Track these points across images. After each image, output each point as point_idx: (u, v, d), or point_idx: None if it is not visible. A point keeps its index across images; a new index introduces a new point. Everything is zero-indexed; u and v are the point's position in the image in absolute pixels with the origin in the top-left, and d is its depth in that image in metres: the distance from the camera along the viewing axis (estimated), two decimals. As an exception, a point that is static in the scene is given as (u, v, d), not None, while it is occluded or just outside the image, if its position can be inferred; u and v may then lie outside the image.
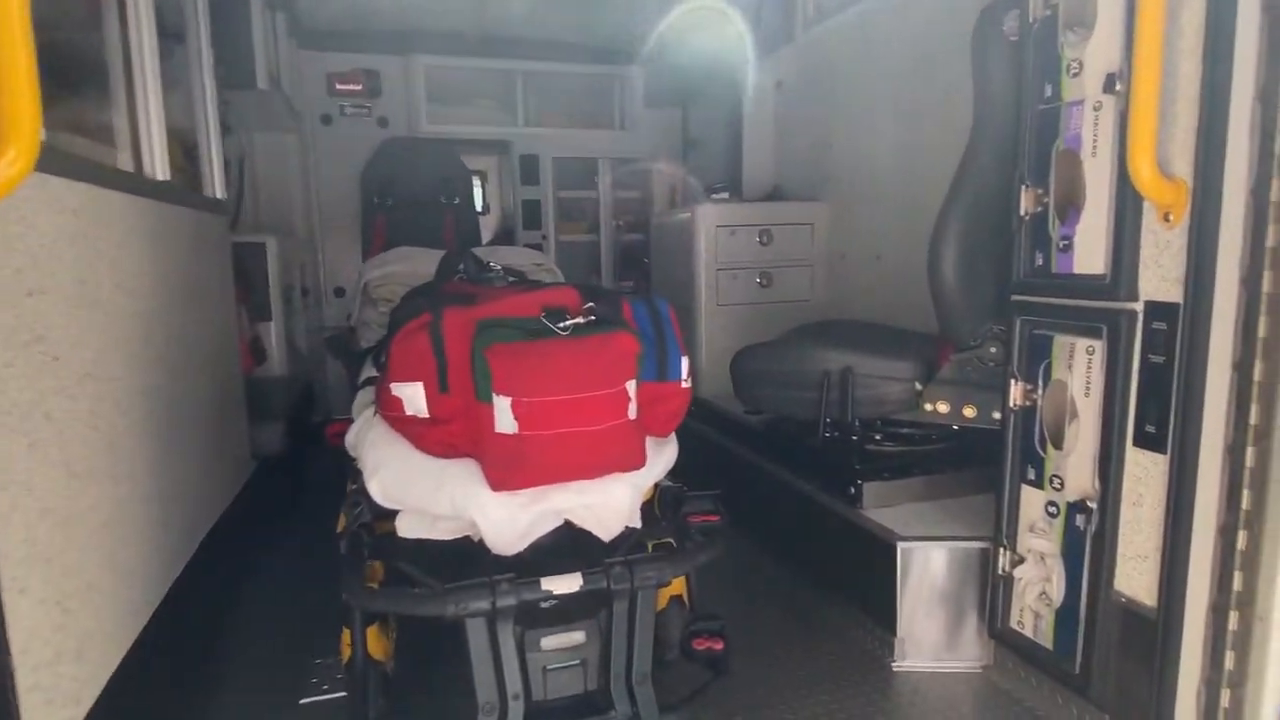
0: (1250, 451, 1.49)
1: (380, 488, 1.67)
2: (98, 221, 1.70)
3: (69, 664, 1.40)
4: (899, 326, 3.03)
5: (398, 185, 5.08)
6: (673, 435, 1.99)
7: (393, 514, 1.71)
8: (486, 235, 5.86)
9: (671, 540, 1.89)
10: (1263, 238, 1.44)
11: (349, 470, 2.03)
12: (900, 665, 2.21)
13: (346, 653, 1.74)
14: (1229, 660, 1.56)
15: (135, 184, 2.05)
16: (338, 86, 5.33)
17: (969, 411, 2.36)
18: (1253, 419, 1.48)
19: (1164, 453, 1.62)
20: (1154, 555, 1.67)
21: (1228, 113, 1.48)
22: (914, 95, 3.33)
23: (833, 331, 2.96)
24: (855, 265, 4.01)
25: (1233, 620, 1.55)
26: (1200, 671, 1.61)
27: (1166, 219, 1.60)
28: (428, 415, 1.60)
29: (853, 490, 2.43)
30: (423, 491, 1.64)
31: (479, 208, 5.78)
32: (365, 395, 2.09)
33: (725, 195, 4.79)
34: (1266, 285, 1.44)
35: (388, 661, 1.85)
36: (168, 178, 2.23)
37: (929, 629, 2.20)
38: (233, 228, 3.93)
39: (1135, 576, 1.72)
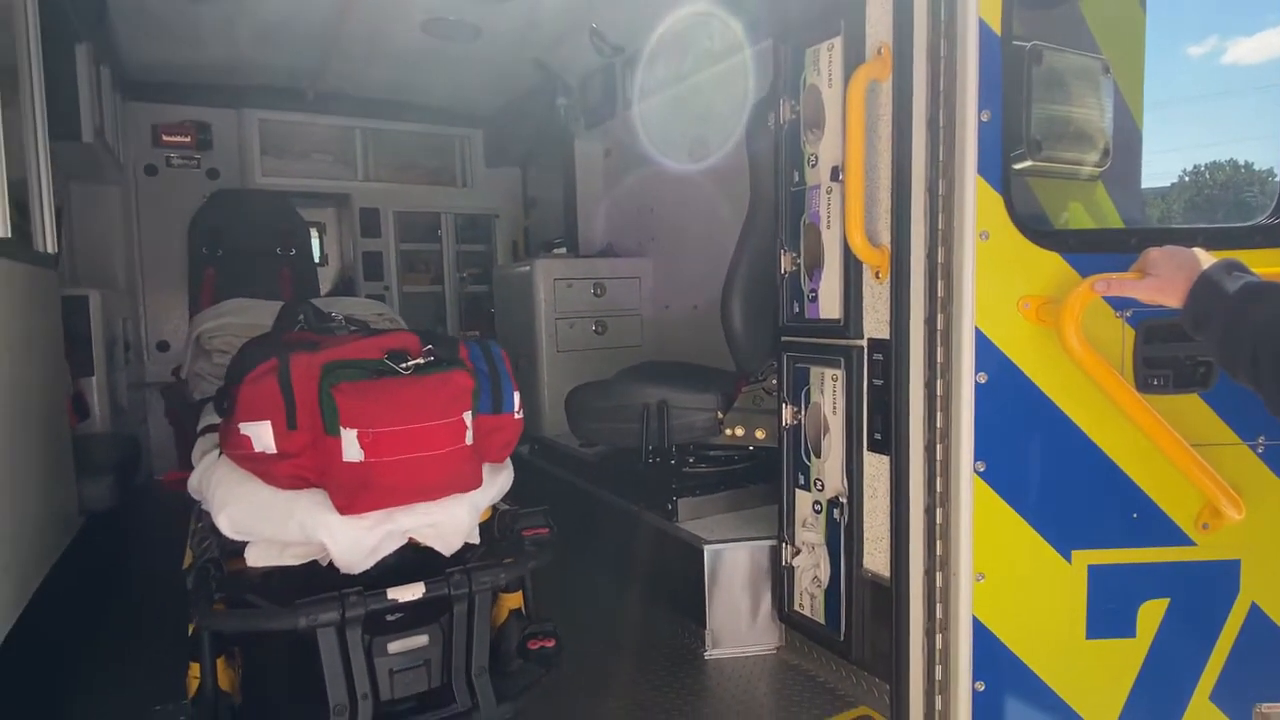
0: (939, 448, 1.99)
1: (229, 522, 1.81)
2: None
3: None
4: (706, 365, 3.49)
5: (228, 236, 5.04)
6: (508, 462, 2.26)
7: (238, 553, 1.84)
8: (325, 286, 5.87)
9: (512, 557, 2.14)
10: (935, 290, 1.97)
11: (193, 513, 2.13)
12: (711, 654, 2.57)
13: (194, 685, 1.83)
14: (939, 611, 2.04)
15: None
16: (164, 138, 5.24)
17: (760, 433, 2.81)
18: (939, 423, 1.98)
19: (888, 454, 2.11)
20: (886, 536, 2.14)
21: (910, 200, 2.01)
22: (712, 168, 3.88)
23: (650, 370, 3.37)
24: (677, 314, 4.50)
25: (939, 580, 2.03)
26: (922, 623, 2.08)
27: (877, 276, 2.11)
28: (275, 450, 1.78)
29: (670, 506, 2.80)
30: (272, 521, 1.80)
31: (316, 259, 5.81)
32: (207, 441, 2.20)
33: (563, 251, 5.18)
34: (940, 324, 1.96)
35: (235, 694, 1.95)
36: (7, 235, 2.21)
37: (733, 620, 2.58)
38: (56, 282, 3.79)
39: (876, 554, 2.19)
